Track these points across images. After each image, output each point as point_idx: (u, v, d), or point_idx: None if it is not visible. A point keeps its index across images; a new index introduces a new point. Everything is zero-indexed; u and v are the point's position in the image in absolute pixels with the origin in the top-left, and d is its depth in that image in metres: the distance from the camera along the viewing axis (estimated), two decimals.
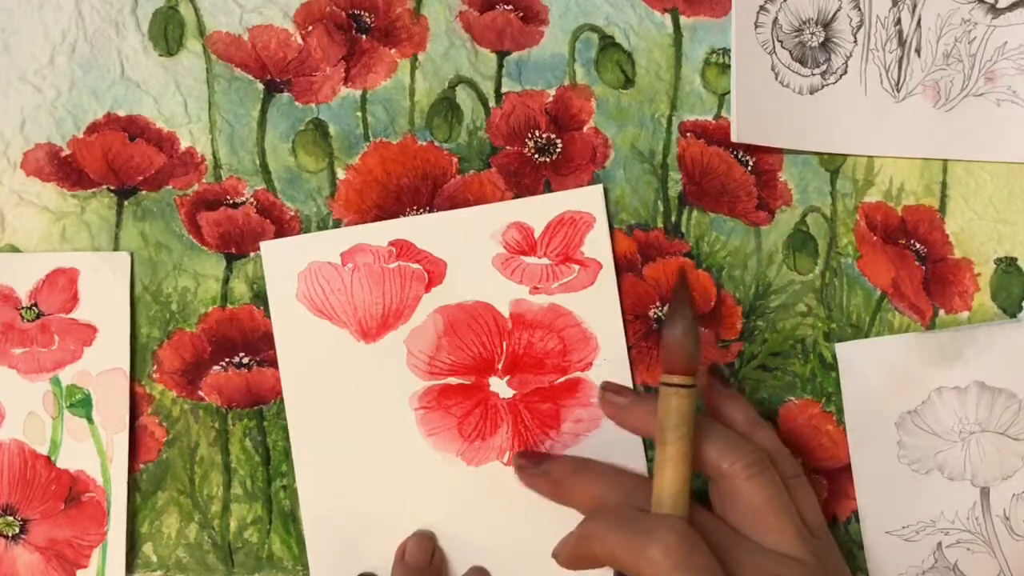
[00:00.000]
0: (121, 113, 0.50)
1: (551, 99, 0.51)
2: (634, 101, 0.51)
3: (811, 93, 0.51)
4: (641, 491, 0.42)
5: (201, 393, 0.49)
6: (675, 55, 0.51)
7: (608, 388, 0.47)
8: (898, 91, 0.51)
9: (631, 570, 0.39)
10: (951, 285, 0.51)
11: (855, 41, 0.51)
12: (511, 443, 0.49)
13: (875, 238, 0.51)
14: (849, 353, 0.50)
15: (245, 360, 0.49)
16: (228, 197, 0.50)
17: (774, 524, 0.42)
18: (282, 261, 0.49)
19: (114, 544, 0.48)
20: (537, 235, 0.49)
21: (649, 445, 0.49)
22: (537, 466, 0.46)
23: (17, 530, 0.48)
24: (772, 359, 0.50)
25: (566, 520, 0.48)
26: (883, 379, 0.50)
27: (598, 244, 0.49)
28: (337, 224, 0.50)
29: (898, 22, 0.51)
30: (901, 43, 0.51)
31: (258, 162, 0.50)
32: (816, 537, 0.43)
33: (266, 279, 0.49)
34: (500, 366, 0.49)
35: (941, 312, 0.51)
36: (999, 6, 0.51)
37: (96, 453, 0.48)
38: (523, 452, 0.48)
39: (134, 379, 0.49)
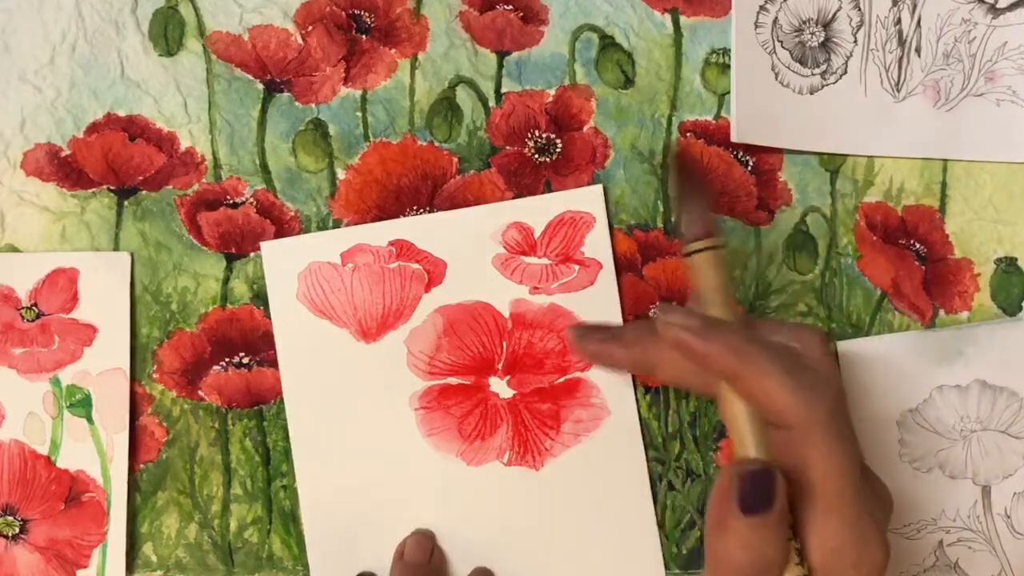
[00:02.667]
0: (121, 113, 0.50)
1: (551, 99, 0.51)
2: (634, 101, 0.51)
3: (811, 93, 0.51)
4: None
5: (201, 393, 0.49)
6: (675, 55, 0.51)
7: (578, 331, 0.46)
8: (898, 91, 0.51)
9: (781, 416, 0.38)
10: (951, 285, 0.51)
11: (855, 41, 0.51)
12: (511, 443, 0.49)
13: (875, 238, 0.51)
14: (850, 351, 0.50)
15: (245, 360, 0.49)
16: (228, 197, 0.50)
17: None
18: (282, 261, 0.49)
19: (114, 544, 0.48)
20: (537, 235, 0.49)
21: (648, 445, 0.49)
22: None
23: (17, 530, 0.48)
24: None
25: (566, 520, 0.48)
26: (884, 377, 0.50)
27: (598, 244, 0.49)
28: (337, 224, 0.50)
29: (898, 22, 0.51)
30: (901, 43, 0.51)
31: (258, 162, 0.50)
32: None
33: (266, 279, 0.49)
34: (500, 366, 0.49)
35: (941, 312, 0.51)
36: (999, 6, 0.52)
37: (96, 453, 0.48)
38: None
39: (134, 379, 0.49)
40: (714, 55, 0.51)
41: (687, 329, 0.39)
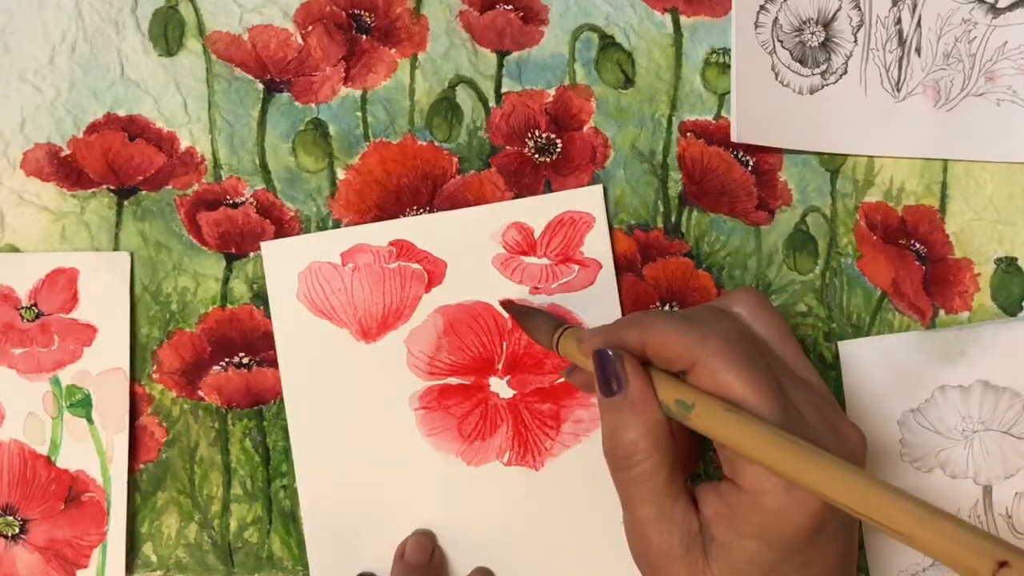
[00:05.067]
0: (121, 113, 0.50)
1: (551, 99, 0.51)
2: (634, 101, 0.51)
3: (811, 93, 0.51)
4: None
5: (201, 393, 0.49)
6: (675, 55, 0.51)
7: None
8: (898, 91, 0.51)
9: (683, 357, 0.38)
10: (951, 285, 0.51)
11: (855, 41, 0.51)
12: (511, 443, 0.49)
13: (875, 238, 0.51)
14: (852, 351, 0.50)
15: (245, 360, 0.49)
16: (228, 197, 0.50)
17: (793, 351, 0.41)
18: (282, 261, 0.49)
19: (114, 544, 0.48)
20: (537, 235, 0.49)
21: None
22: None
23: (17, 530, 0.48)
24: None
25: (566, 520, 0.48)
26: (886, 377, 0.50)
27: (598, 244, 0.49)
28: (337, 224, 0.50)
29: (898, 22, 0.51)
30: (901, 43, 0.51)
31: (258, 162, 0.50)
32: None
33: (266, 279, 0.49)
34: (500, 366, 0.49)
35: (941, 312, 0.51)
36: (999, 6, 0.52)
37: (96, 453, 0.48)
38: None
39: (134, 379, 0.49)
40: (714, 55, 0.51)
41: (596, 333, 0.42)
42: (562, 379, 0.49)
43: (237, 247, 0.49)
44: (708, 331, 0.38)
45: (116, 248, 0.49)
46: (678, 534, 0.38)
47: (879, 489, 0.33)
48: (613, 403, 0.40)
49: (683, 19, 0.51)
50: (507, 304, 0.48)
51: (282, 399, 0.49)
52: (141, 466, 0.49)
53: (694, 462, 0.46)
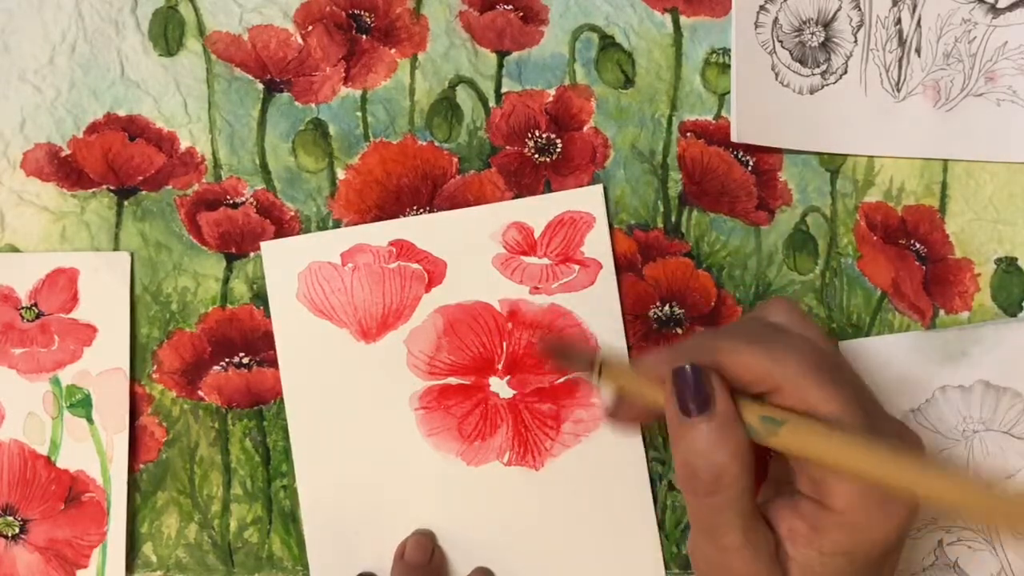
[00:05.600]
0: (121, 113, 0.50)
1: (551, 99, 0.51)
2: (634, 101, 0.51)
3: (811, 93, 0.51)
4: None
5: (201, 393, 0.49)
6: (675, 55, 0.51)
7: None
8: (898, 91, 0.51)
9: (762, 382, 0.37)
10: (951, 285, 0.51)
11: (855, 41, 0.51)
12: (511, 443, 0.49)
13: (875, 238, 0.51)
14: (852, 351, 0.50)
15: (245, 360, 0.49)
16: (228, 197, 0.50)
17: (841, 360, 0.40)
18: (282, 261, 0.49)
19: (114, 544, 0.48)
20: (537, 235, 0.49)
21: (648, 445, 0.49)
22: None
23: (17, 530, 0.48)
24: None
25: (566, 520, 0.48)
26: (887, 377, 0.49)
27: (598, 244, 0.49)
28: (337, 224, 0.50)
29: (898, 22, 0.51)
30: (901, 43, 0.51)
31: (258, 162, 0.50)
32: None
33: (266, 279, 0.49)
34: (500, 366, 0.49)
35: (941, 312, 0.51)
36: (999, 6, 0.51)
37: (96, 453, 0.48)
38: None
39: (134, 379, 0.49)
40: (714, 55, 0.51)
41: (659, 357, 0.39)
42: (562, 378, 0.49)
43: (237, 247, 0.49)
44: (782, 350, 0.37)
45: (116, 248, 0.49)
46: (763, 560, 0.37)
47: (985, 489, 0.33)
48: (697, 424, 0.37)
49: (683, 19, 0.51)
50: (544, 347, 0.47)
51: (282, 399, 0.49)
52: (141, 466, 0.49)
53: (760, 482, 0.43)
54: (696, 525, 0.38)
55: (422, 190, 0.50)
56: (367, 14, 0.51)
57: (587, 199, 0.50)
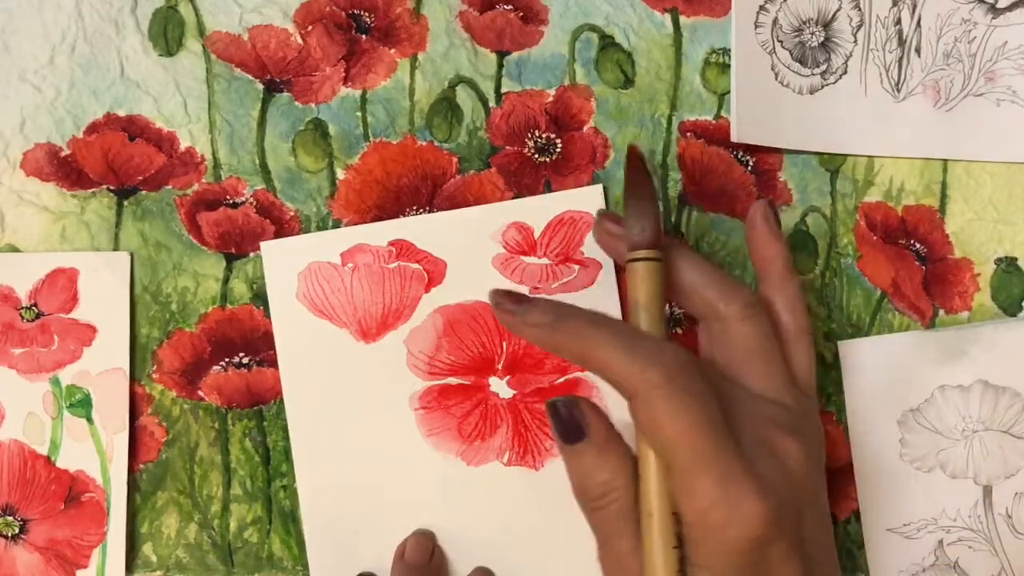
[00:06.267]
0: (121, 113, 0.50)
1: (551, 99, 0.51)
2: (634, 101, 0.51)
3: (811, 93, 0.51)
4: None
5: (201, 393, 0.49)
6: (675, 55, 0.51)
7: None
8: (898, 91, 0.51)
9: (621, 385, 0.38)
10: (951, 285, 0.51)
11: (855, 41, 0.51)
12: (511, 443, 0.49)
13: (875, 238, 0.51)
14: (852, 350, 0.50)
15: (245, 360, 0.49)
16: (228, 197, 0.50)
17: (763, 369, 0.42)
18: (282, 261, 0.49)
19: (114, 544, 0.48)
20: (537, 235, 0.49)
21: None
22: (516, 312, 0.42)
23: (17, 530, 0.48)
24: None
25: (566, 520, 0.48)
26: (886, 376, 0.50)
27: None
28: (337, 224, 0.50)
29: (898, 22, 0.51)
30: (901, 43, 0.51)
31: (258, 162, 0.50)
32: (802, 391, 0.43)
33: (266, 279, 0.49)
34: (500, 366, 0.49)
35: (941, 312, 0.51)
36: (999, 6, 0.52)
37: (96, 453, 0.48)
38: (503, 292, 0.43)
39: (134, 379, 0.49)
40: (714, 55, 0.51)
41: (538, 326, 0.41)
42: (562, 378, 0.49)
43: (237, 247, 0.49)
44: (651, 359, 0.38)
45: (116, 248, 0.49)
46: None
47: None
48: (577, 449, 0.40)
49: (683, 19, 0.51)
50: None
51: (282, 399, 0.49)
52: (141, 466, 0.49)
53: None
54: (595, 535, 0.41)
55: (422, 190, 0.50)
56: (367, 14, 0.51)
57: (587, 199, 0.50)
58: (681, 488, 0.38)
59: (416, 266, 0.49)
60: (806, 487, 0.40)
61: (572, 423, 0.41)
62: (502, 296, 0.42)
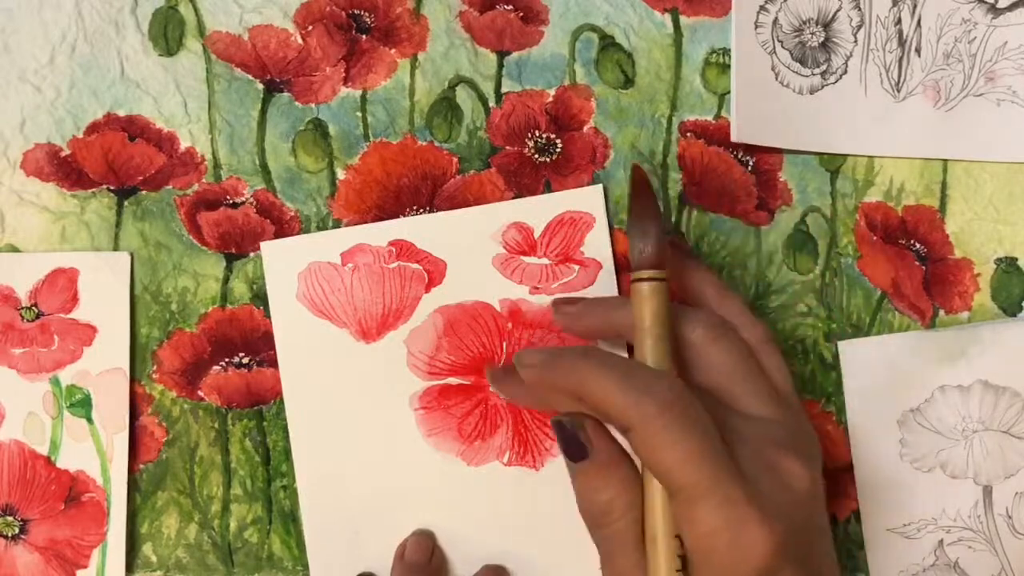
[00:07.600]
0: (121, 113, 0.50)
1: (551, 99, 0.51)
2: (634, 101, 0.51)
3: (811, 93, 0.51)
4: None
5: (201, 393, 0.49)
6: (675, 55, 0.51)
7: (559, 302, 0.46)
8: (898, 91, 0.51)
9: (617, 419, 0.38)
10: (951, 285, 0.51)
11: (855, 41, 0.51)
12: (511, 443, 0.49)
13: (875, 238, 0.51)
14: (852, 351, 0.50)
15: (245, 360, 0.49)
16: (228, 197, 0.50)
17: (747, 388, 0.42)
18: (282, 261, 0.49)
19: (114, 544, 0.48)
20: (537, 235, 0.49)
21: None
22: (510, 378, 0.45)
23: (17, 530, 0.48)
24: None
25: (566, 520, 0.48)
26: (886, 377, 0.50)
27: (598, 244, 0.49)
28: (337, 224, 0.50)
29: (898, 22, 0.51)
30: (901, 43, 0.51)
31: (258, 162, 0.50)
32: (785, 400, 0.43)
33: (266, 279, 0.49)
34: (500, 366, 0.49)
35: (941, 312, 0.51)
36: (999, 6, 0.52)
37: (96, 453, 0.48)
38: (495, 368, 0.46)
39: (134, 379, 0.49)
40: (714, 55, 0.51)
41: (530, 367, 0.42)
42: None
43: (237, 247, 0.49)
44: (646, 391, 0.38)
45: (116, 248, 0.49)
46: None
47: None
48: (581, 468, 0.41)
49: (683, 19, 0.51)
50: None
51: (282, 399, 0.49)
52: (141, 466, 0.49)
53: None
54: (599, 551, 0.42)
55: (422, 190, 0.50)
56: (367, 14, 0.51)
57: (587, 199, 0.50)
58: (683, 515, 0.38)
59: (416, 266, 0.49)
60: (814, 507, 0.40)
61: (575, 441, 0.41)
62: (497, 370, 0.46)
